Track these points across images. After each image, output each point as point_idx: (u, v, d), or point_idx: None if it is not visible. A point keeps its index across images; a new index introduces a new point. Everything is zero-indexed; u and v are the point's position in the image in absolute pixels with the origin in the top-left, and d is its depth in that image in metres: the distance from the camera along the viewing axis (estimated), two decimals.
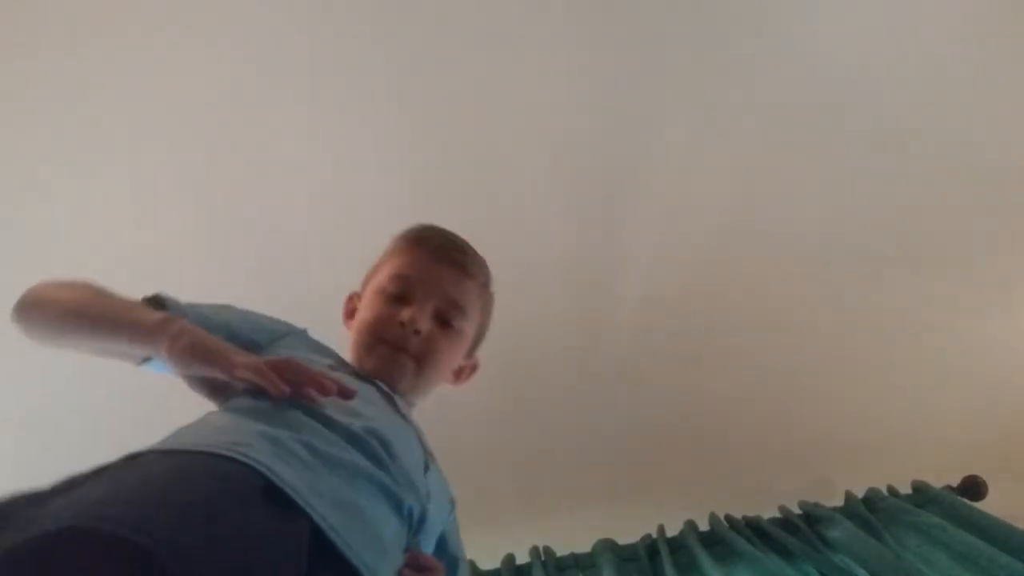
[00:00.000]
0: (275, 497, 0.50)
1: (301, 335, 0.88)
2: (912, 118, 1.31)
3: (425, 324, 0.84)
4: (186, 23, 1.10)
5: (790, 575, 1.25)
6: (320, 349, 0.86)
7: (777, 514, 1.46)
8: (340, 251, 1.33)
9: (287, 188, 1.26)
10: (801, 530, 1.38)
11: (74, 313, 0.73)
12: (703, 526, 1.46)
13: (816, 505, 1.44)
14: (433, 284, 0.87)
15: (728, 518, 1.45)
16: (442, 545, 0.84)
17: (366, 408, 0.70)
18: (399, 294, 0.87)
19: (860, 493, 1.46)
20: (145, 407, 1.40)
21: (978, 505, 1.35)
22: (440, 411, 1.51)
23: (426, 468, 0.77)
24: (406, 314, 0.84)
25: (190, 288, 1.31)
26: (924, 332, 1.59)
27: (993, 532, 1.19)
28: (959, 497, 1.39)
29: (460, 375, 0.95)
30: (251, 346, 0.77)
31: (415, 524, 0.70)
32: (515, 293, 1.43)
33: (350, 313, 0.95)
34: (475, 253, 0.95)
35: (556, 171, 1.30)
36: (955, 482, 1.47)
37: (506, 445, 1.51)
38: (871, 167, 1.36)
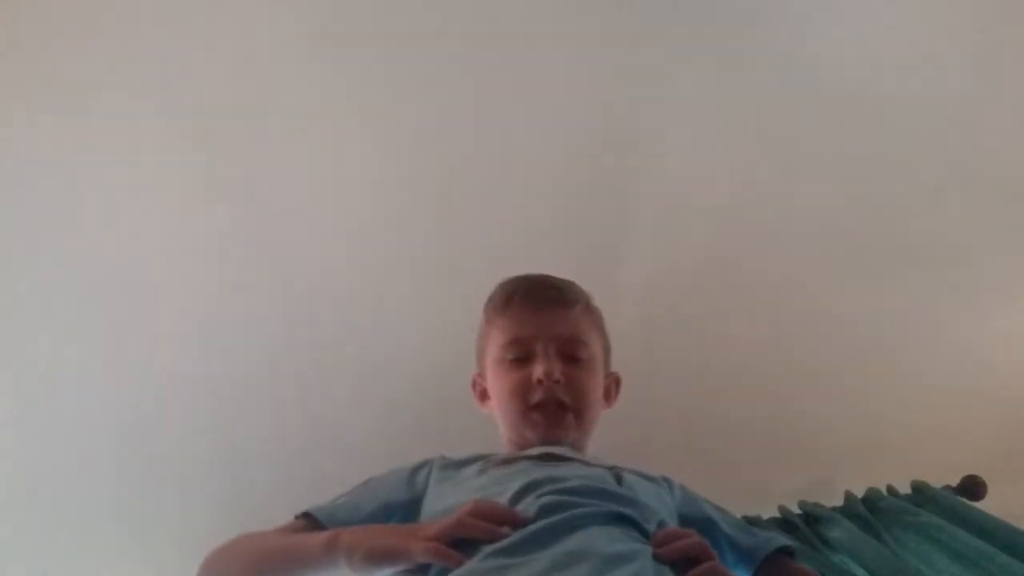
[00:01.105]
0: None
1: (440, 461, 0.89)
2: (913, 117, 1.31)
3: (558, 370, 0.85)
4: (187, 23, 1.09)
5: None
6: (465, 462, 0.87)
7: (777, 514, 1.46)
8: (340, 250, 1.34)
9: (287, 187, 1.26)
10: (801, 530, 1.38)
11: (259, 571, 0.77)
12: None
13: (816, 505, 1.44)
14: (545, 331, 0.89)
15: None
16: (690, 516, 0.84)
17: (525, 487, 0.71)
18: (520, 356, 0.89)
19: (860, 493, 1.46)
20: (145, 407, 1.40)
21: (978, 505, 1.35)
22: (440, 411, 1.52)
23: (619, 480, 0.78)
24: (538, 371, 0.85)
25: (190, 287, 1.32)
26: (924, 332, 1.59)
27: (993, 532, 1.19)
28: (959, 497, 1.39)
29: (609, 395, 0.97)
30: (410, 505, 0.81)
31: (646, 518, 0.71)
32: None
33: (482, 395, 0.98)
34: (562, 281, 0.97)
35: (556, 169, 1.30)
36: (955, 482, 1.47)
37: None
38: (871, 167, 1.36)
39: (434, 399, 1.47)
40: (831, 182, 1.37)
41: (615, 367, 1.05)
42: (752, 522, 1.43)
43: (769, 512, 1.47)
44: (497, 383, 0.91)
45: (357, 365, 1.44)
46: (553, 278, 0.97)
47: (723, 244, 1.41)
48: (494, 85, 1.20)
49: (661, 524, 0.73)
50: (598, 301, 1.45)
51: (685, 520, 0.83)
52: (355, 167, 1.25)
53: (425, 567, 0.67)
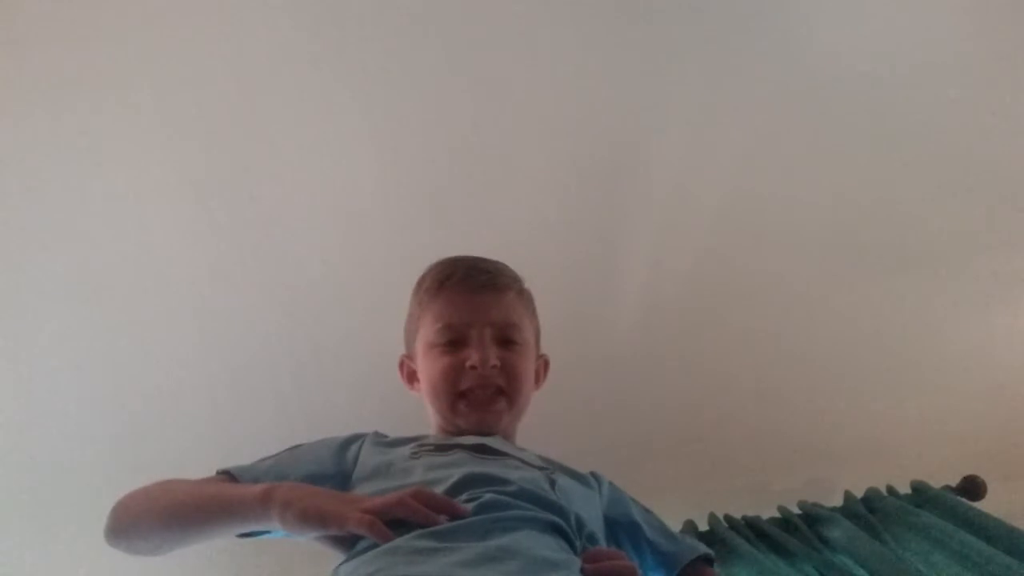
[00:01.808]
0: None
1: (373, 438, 0.87)
2: (912, 117, 1.31)
3: (492, 356, 0.85)
4: (187, 24, 1.10)
5: (789, 575, 1.25)
6: (397, 442, 0.86)
7: (776, 514, 1.46)
8: (340, 249, 1.34)
9: (287, 186, 1.26)
10: (800, 530, 1.38)
11: (179, 515, 0.75)
12: (702, 526, 1.45)
13: (815, 505, 1.44)
14: (479, 316, 0.88)
15: (727, 518, 1.45)
16: (616, 520, 0.85)
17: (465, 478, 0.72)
18: (453, 340, 0.87)
19: (859, 493, 1.46)
20: (144, 406, 1.40)
21: (977, 505, 1.35)
22: None
23: (552, 484, 0.77)
24: (473, 357, 0.84)
25: (190, 287, 1.32)
26: (924, 331, 1.59)
27: (993, 532, 1.19)
28: (958, 497, 1.39)
29: (538, 377, 0.97)
30: (337, 478, 0.79)
31: (576, 529, 0.71)
32: None
33: (410, 377, 0.96)
34: (494, 264, 0.95)
35: (556, 169, 1.30)
36: (954, 482, 1.47)
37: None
38: (872, 167, 1.36)
39: None
40: (831, 182, 1.37)
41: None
42: (752, 522, 1.43)
43: (769, 512, 1.46)
44: (428, 366, 0.89)
45: (356, 365, 1.44)
46: (486, 261, 0.95)
47: (722, 244, 1.41)
48: (493, 85, 1.20)
49: (591, 537, 0.73)
50: (598, 301, 1.45)
51: (610, 523, 0.84)
52: (355, 166, 1.25)
53: (353, 539, 0.67)
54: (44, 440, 1.39)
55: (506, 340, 0.88)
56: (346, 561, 0.66)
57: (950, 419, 1.65)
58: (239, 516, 0.71)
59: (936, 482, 1.44)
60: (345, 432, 0.88)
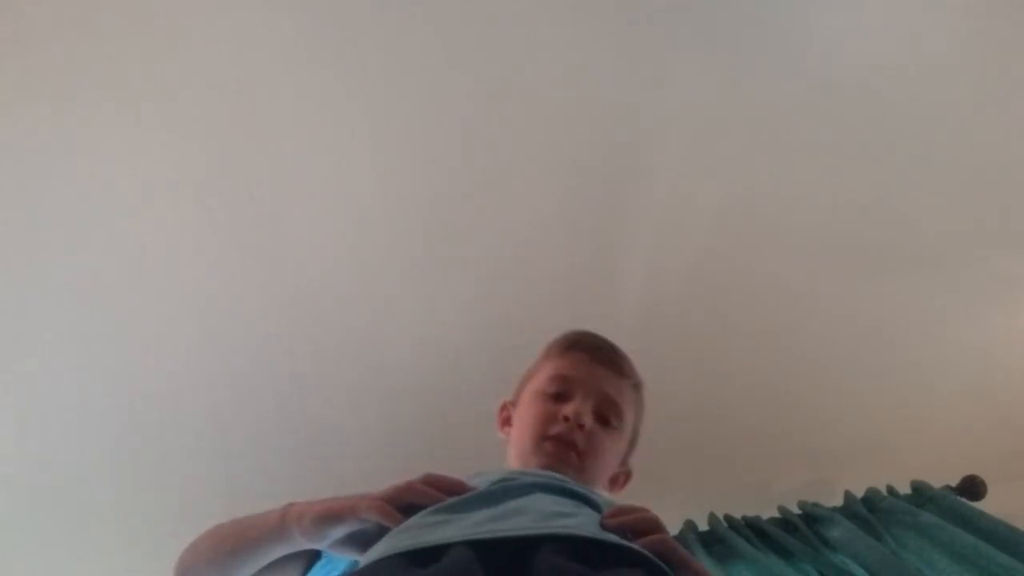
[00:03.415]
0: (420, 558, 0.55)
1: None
2: (912, 117, 1.31)
3: (588, 418, 0.87)
4: (188, 25, 1.10)
5: (790, 575, 1.25)
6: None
7: (776, 514, 1.46)
8: (339, 251, 1.34)
9: (287, 188, 1.26)
10: (800, 530, 1.38)
11: (221, 560, 0.78)
12: (702, 526, 1.46)
13: (815, 505, 1.44)
14: (592, 383, 0.91)
15: (727, 518, 1.45)
16: None
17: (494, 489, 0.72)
18: (559, 393, 0.90)
19: (859, 493, 1.46)
20: (144, 407, 1.40)
21: (978, 505, 1.35)
22: (439, 412, 1.52)
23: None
24: (569, 409, 0.86)
25: (190, 288, 1.32)
26: (924, 331, 1.59)
27: (993, 532, 1.19)
28: (958, 497, 1.39)
29: (617, 482, 0.96)
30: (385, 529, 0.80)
31: (594, 504, 0.72)
32: (513, 291, 1.43)
33: (505, 421, 0.98)
34: (627, 355, 0.99)
35: (556, 169, 1.30)
36: (955, 482, 1.47)
37: (504, 446, 1.51)
38: (872, 167, 1.36)
39: (431, 398, 1.47)
40: (831, 183, 1.37)
41: None
42: (752, 522, 1.43)
43: (769, 512, 1.47)
44: (527, 410, 0.92)
45: (355, 365, 1.44)
46: (620, 349, 1.00)
47: (723, 244, 1.41)
48: (494, 86, 1.20)
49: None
50: (599, 302, 1.45)
51: None
52: (355, 166, 1.25)
53: (368, 540, 0.67)
54: (44, 440, 1.39)
55: (604, 417, 0.89)
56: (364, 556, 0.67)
57: (950, 419, 1.65)
58: (267, 543, 0.74)
59: (936, 482, 1.44)
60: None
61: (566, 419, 0.85)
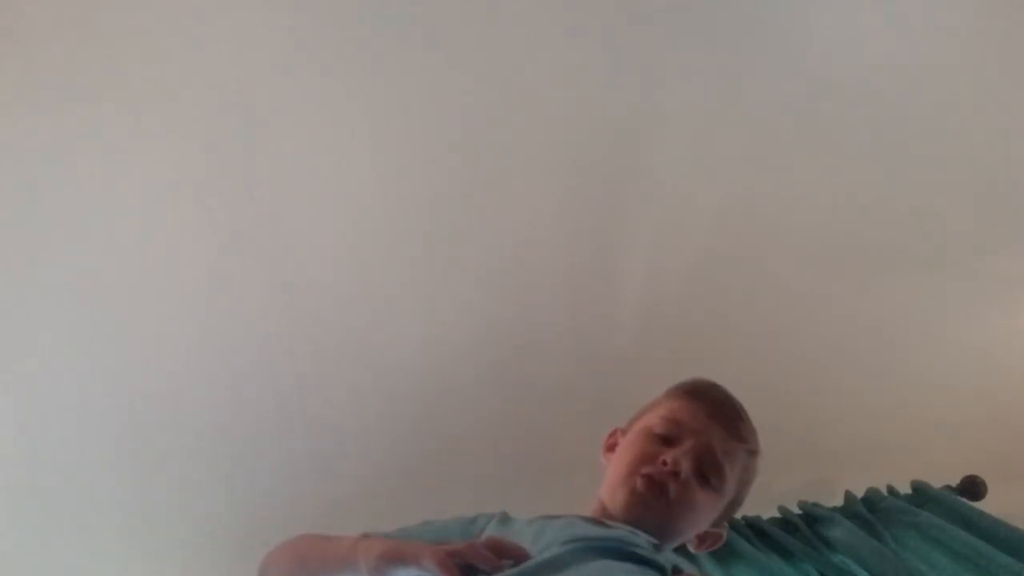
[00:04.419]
0: None
1: (500, 518, 0.89)
2: (912, 117, 1.31)
3: (686, 467, 0.84)
4: (188, 26, 1.10)
5: (790, 575, 1.25)
6: (526, 524, 0.85)
7: (777, 514, 1.46)
8: (340, 249, 1.34)
9: (287, 188, 1.26)
10: (801, 530, 1.38)
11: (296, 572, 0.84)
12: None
13: (816, 505, 1.44)
14: (702, 435, 0.88)
15: None
16: None
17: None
18: (666, 436, 0.88)
19: (860, 493, 1.46)
20: (145, 407, 1.40)
21: (978, 505, 1.35)
22: (439, 412, 1.52)
23: (656, 548, 0.76)
24: (670, 454, 0.84)
25: (190, 288, 1.32)
26: (924, 332, 1.59)
27: (993, 532, 1.19)
28: (959, 497, 1.39)
29: (704, 541, 0.94)
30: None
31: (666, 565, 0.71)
32: (513, 291, 1.43)
33: (611, 447, 0.97)
34: (750, 420, 0.96)
35: (556, 169, 1.30)
36: (955, 482, 1.47)
37: (505, 445, 1.51)
38: (872, 167, 1.36)
39: (431, 398, 1.47)
40: (831, 183, 1.37)
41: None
42: (752, 522, 1.43)
43: (769, 512, 1.47)
44: (631, 444, 0.91)
45: (356, 366, 1.44)
46: (745, 412, 0.97)
47: (723, 244, 1.41)
48: (494, 85, 1.20)
49: (677, 570, 0.73)
50: (599, 302, 1.45)
51: None
52: (355, 166, 1.25)
53: None
54: (44, 440, 1.39)
55: (703, 474, 0.86)
56: None
57: (950, 419, 1.65)
58: (339, 561, 0.78)
59: (936, 482, 1.44)
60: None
61: (664, 463, 0.84)
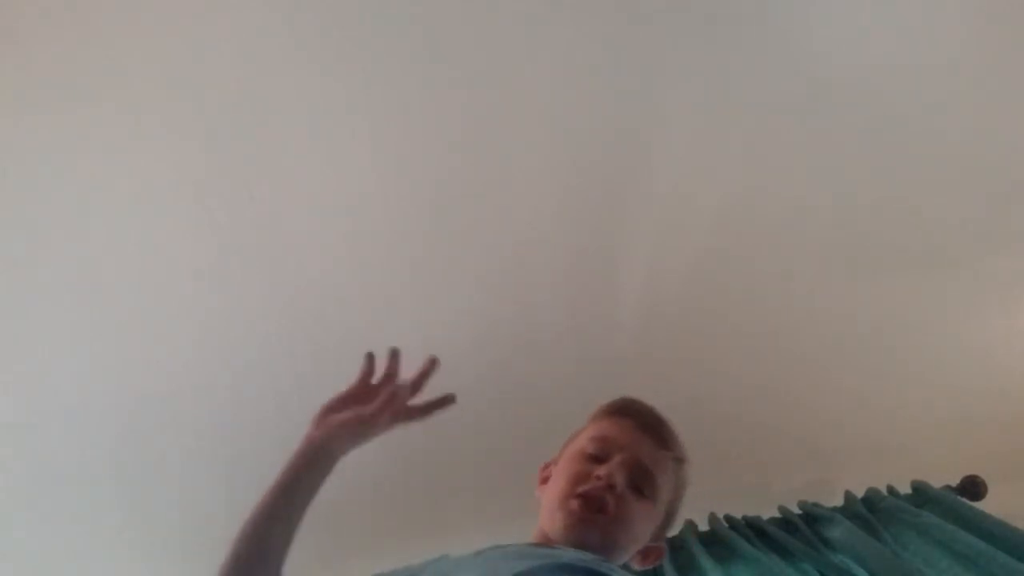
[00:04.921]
0: None
1: (442, 562, 0.89)
2: (913, 116, 1.31)
3: (620, 480, 0.85)
4: (188, 26, 1.09)
5: (790, 575, 1.25)
6: (472, 556, 0.85)
7: (777, 514, 1.46)
8: (340, 249, 1.34)
9: (287, 189, 1.26)
10: (801, 530, 1.38)
11: (264, 514, 0.88)
12: (703, 526, 1.46)
13: (816, 505, 1.44)
14: (631, 448, 0.90)
15: (728, 518, 1.45)
16: None
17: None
18: (597, 454, 0.90)
19: (860, 493, 1.46)
20: (145, 407, 1.40)
21: (978, 505, 1.35)
22: (438, 412, 1.52)
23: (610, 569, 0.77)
24: (602, 469, 0.86)
25: (191, 286, 1.32)
26: (924, 332, 1.59)
27: (993, 532, 1.19)
28: (959, 497, 1.39)
29: (648, 557, 0.94)
30: None
31: None
32: (513, 291, 1.43)
33: (544, 479, 0.98)
34: (674, 429, 0.99)
35: (556, 169, 1.30)
36: (955, 482, 1.47)
37: (505, 446, 1.51)
38: (872, 167, 1.36)
39: (431, 398, 1.47)
40: (831, 182, 1.37)
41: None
42: (752, 522, 1.43)
43: (769, 512, 1.47)
44: (563, 469, 0.92)
45: (356, 365, 1.44)
46: (669, 423, 1.00)
47: (723, 244, 1.41)
48: (494, 85, 1.20)
49: None
50: (599, 302, 1.45)
51: None
52: (354, 166, 1.25)
53: None
54: (44, 440, 1.39)
55: (637, 486, 0.88)
56: None
57: (950, 419, 1.65)
58: (303, 472, 0.90)
59: (936, 482, 1.44)
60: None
61: (598, 478, 0.85)
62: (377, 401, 0.94)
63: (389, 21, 1.12)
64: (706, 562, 1.29)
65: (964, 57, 1.25)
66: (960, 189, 1.40)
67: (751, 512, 1.46)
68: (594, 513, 0.83)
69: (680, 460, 0.98)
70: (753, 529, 1.41)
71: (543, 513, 0.90)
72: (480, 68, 1.18)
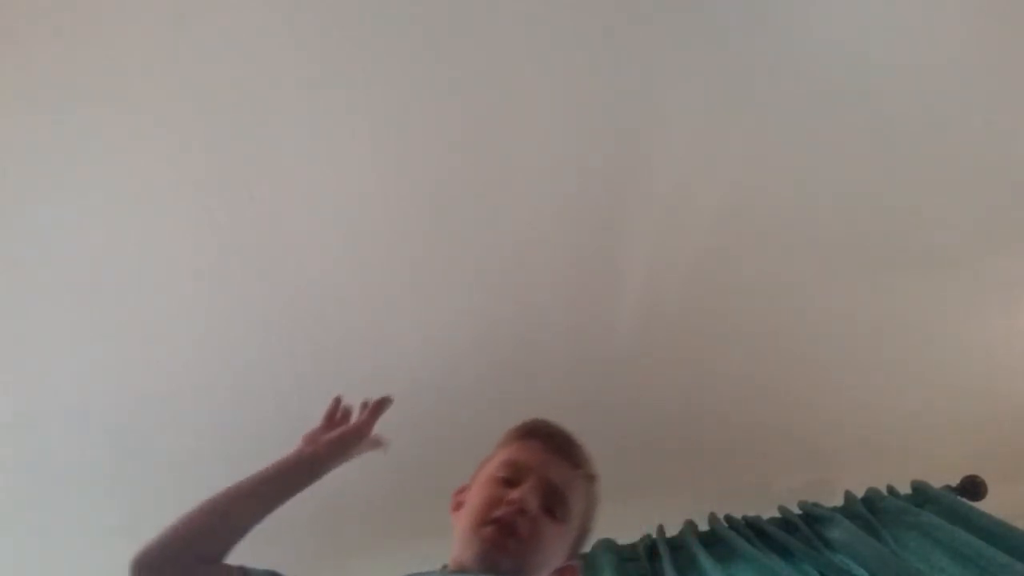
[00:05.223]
0: None
1: None
2: (913, 116, 1.31)
3: (533, 504, 0.86)
4: (188, 27, 1.09)
5: (790, 575, 1.25)
6: None
7: (777, 514, 1.46)
8: (340, 249, 1.34)
9: (287, 189, 1.26)
10: (801, 530, 1.38)
11: (237, 498, 0.92)
12: (703, 526, 1.46)
13: (816, 505, 1.44)
14: (542, 470, 0.92)
15: (728, 518, 1.45)
16: None
17: None
18: (508, 478, 0.91)
19: (860, 493, 1.46)
20: (144, 407, 1.40)
21: (978, 505, 1.36)
22: (439, 411, 1.52)
23: None
24: (514, 493, 0.87)
25: (191, 286, 1.32)
26: (924, 331, 1.59)
27: (993, 532, 1.19)
28: (959, 497, 1.39)
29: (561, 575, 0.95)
30: None
31: None
32: (513, 291, 1.43)
33: (458, 506, 0.98)
34: (583, 448, 1.00)
35: (556, 169, 1.30)
36: (955, 482, 1.47)
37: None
38: (872, 167, 1.36)
39: (431, 398, 1.47)
40: (832, 182, 1.37)
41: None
42: (752, 522, 1.43)
43: (769, 512, 1.47)
44: (475, 494, 0.93)
45: (356, 365, 1.44)
46: (577, 441, 1.01)
47: (723, 244, 1.41)
48: (494, 84, 1.20)
49: None
50: (599, 302, 1.45)
51: None
52: (354, 166, 1.25)
53: None
54: (44, 440, 1.39)
55: (550, 508, 0.89)
56: None
57: (950, 419, 1.65)
58: (291, 479, 0.94)
59: (936, 482, 1.44)
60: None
61: (510, 503, 0.86)
62: (354, 422, 1.03)
63: (389, 21, 1.12)
64: (706, 562, 1.29)
65: (964, 57, 1.25)
66: (960, 189, 1.40)
67: (751, 512, 1.46)
68: (507, 538, 0.84)
69: (591, 478, 0.99)
70: (753, 529, 1.41)
71: (457, 539, 0.90)
72: (480, 68, 1.18)
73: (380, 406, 1.03)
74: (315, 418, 1.48)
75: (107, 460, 1.42)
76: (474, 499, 0.91)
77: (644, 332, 1.49)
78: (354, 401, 1.41)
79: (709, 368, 1.56)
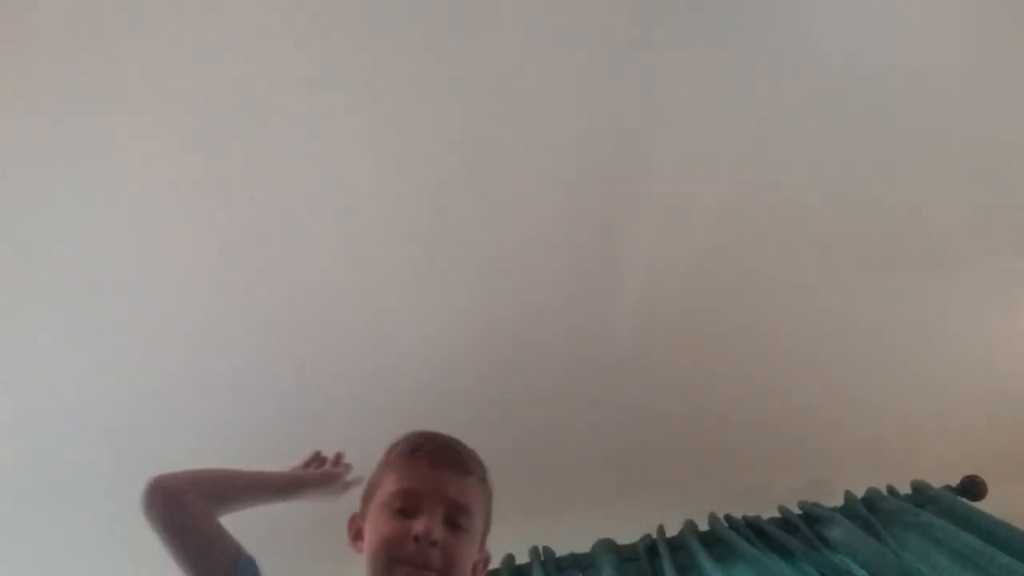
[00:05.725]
0: None
1: None
2: (913, 117, 1.31)
3: (439, 533, 0.86)
4: (188, 27, 1.09)
5: (790, 575, 1.25)
6: None
7: (777, 514, 1.46)
8: (340, 249, 1.34)
9: (287, 189, 1.26)
10: (801, 530, 1.38)
11: (234, 485, 1.01)
12: (703, 526, 1.46)
13: (816, 505, 1.44)
14: (437, 491, 0.90)
15: (728, 518, 1.45)
16: None
17: None
18: (405, 507, 0.89)
19: (860, 493, 1.46)
20: (144, 407, 1.40)
21: (978, 505, 1.36)
22: (439, 411, 1.52)
23: None
24: (419, 527, 0.85)
25: (191, 286, 1.32)
26: (924, 331, 1.59)
27: (993, 532, 1.19)
28: (959, 497, 1.39)
29: (477, 570, 0.95)
30: None
31: None
32: (513, 291, 1.43)
33: (357, 535, 0.97)
34: (467, 449, 0.98)
35: (556, 169, 1.30)
36: (955, 482, 1.47)
37: (505, 446, 1.51)
38: (872, 167, 1.36)
39: (432, 398, 1.47)
40: (832, 182, 1.37)
41: None
42: (752, 522, 1.43)
43: (769, 512, 1.47)
44: (376, 527, 0.91)
45: (356, 365, 1.44)
46: (459, 443, 0.98)
47: (723, 244, 1.41)
48: (494, 85, 1.20)
49: None
50: (599, 302, 1.45)
51: None
52: (355, 166, 1.25)
53: None
54: (44, 440, 1.39)
55: (454, 523, 0.89)
56: None
57: (950, 419, 1.65)
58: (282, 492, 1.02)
59: (936, 482, 1.44)
60: None
61: (416, 539, 0.84)
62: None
63: (389, 21, 1.12)
64: (706, 562, 1.29)
65: (964, 57, 1.25)
66: (960, 189, 1.40)
67: (751, 512, 1.46)
68: (423, 571, 0.84)
69: (483, 476, 0.98)
70: (753, 529, 1.41)
71: (369, 573, 0.89)
72: (480, 68, 1.18)
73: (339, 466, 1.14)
74: (315, 418, 1.49)
75: (107, 460, 1.42)
76: (375, 534, 0.90)
77: (644, 332, 1.49)
78: (348, 399, 1.42)
79: (709, 368, 1.56)
